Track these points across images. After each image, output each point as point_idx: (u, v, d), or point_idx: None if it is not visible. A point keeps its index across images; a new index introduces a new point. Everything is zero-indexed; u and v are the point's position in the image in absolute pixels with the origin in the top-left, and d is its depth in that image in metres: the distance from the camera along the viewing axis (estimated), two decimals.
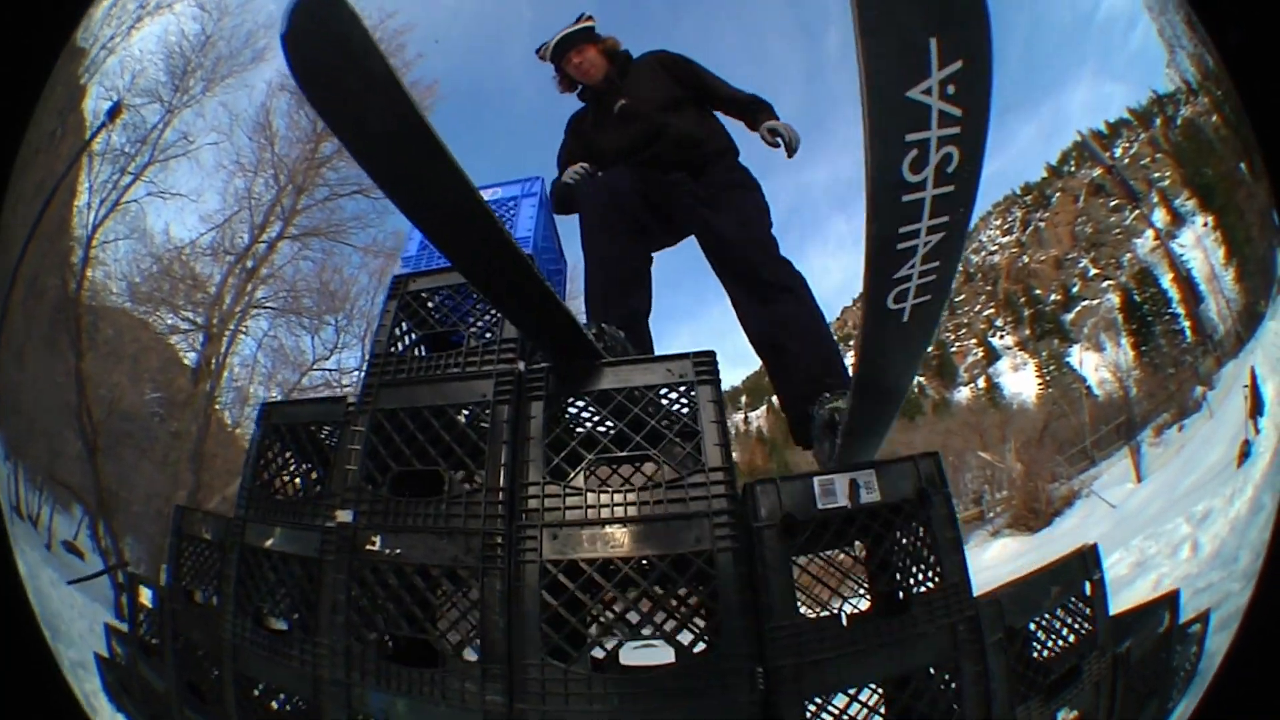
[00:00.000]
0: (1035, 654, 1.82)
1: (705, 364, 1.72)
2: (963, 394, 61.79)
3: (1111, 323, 45.56)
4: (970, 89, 0.97)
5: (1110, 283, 53.58)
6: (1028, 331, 62.70)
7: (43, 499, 13.91)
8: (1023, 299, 65.48)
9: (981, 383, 61.37)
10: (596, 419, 1.78)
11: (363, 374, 1.91)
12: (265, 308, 12.82)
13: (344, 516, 1.63)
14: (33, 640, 1.67)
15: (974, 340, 68.50)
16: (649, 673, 1.45)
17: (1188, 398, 18.75)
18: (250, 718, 1.84)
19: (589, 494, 1.55)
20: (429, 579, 1.70)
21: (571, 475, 1.60)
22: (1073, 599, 1.87)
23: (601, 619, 1.63)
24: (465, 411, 1.75)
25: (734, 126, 2.65)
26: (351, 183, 13.04)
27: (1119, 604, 3.98)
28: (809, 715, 1.49)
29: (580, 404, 1.76)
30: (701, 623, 1.91)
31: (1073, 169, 66.05)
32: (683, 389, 1.73)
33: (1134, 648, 2.00)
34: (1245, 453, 7.93)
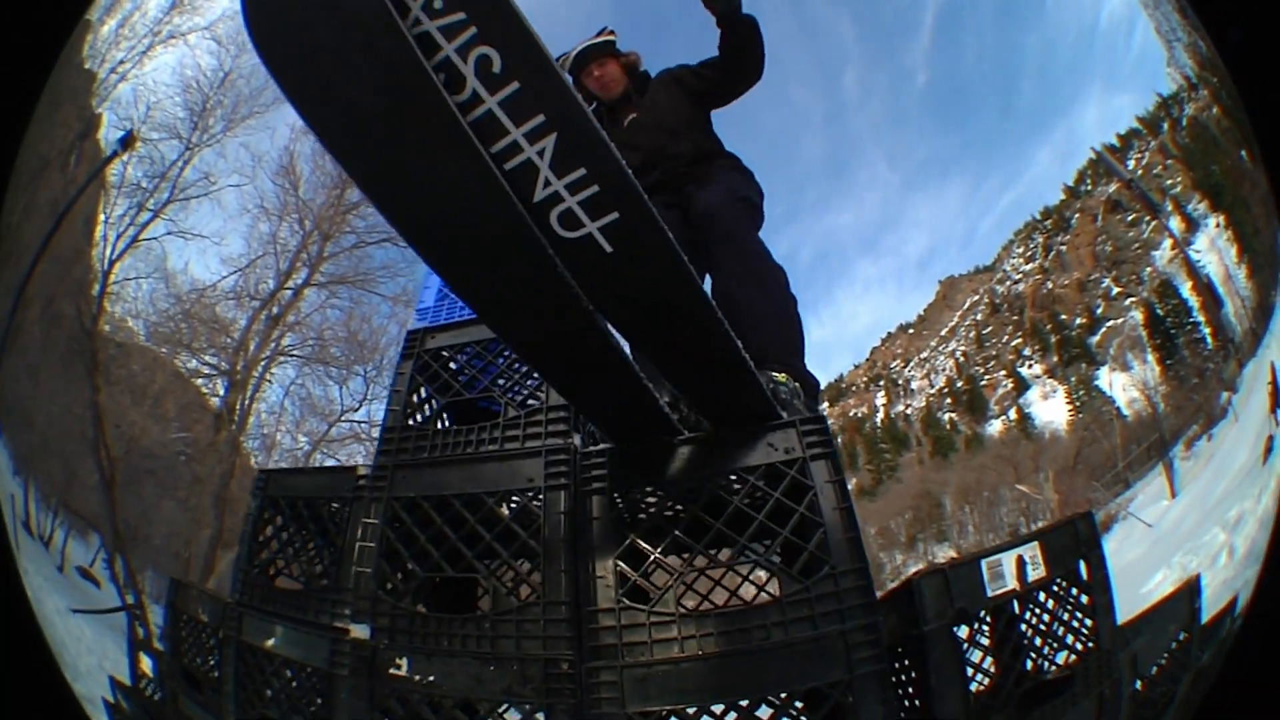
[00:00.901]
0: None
1: (817, 433, 1.36)
2: (994, 427, 61.24)
3: (1137, 340, 44.99)
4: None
5: (1133, 299, 52.93)
6: (1055, 358, 62.06)
7: (56, 521, 13.84)
8: (1049, 326, 64.95)
9: (1013, 414, 60.71)
10: (680, 514, 1.41)
11: (375, 449, 1.56)
12: (291, 355, 12.69)
13: (359, 632, 1.29)
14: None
15: (1003, 372, 68.00)
16: None
17: (1214, 405, 18.18)
18: None
19: (681, 623, 1.19)
20: (475, 715, 1.34)
21: (656, 599, 1.24)
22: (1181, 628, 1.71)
23: None
24: (512, 502, 1.40)
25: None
26: (380, 230, 12.93)
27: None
28: None
29: (657, 495, 1.39)
30: None
31: (1090, 187, 65.62)
32: (791, 468, 1.34)
33: (1208, 664, 1.77)
34: (1269, 449, 7.87)
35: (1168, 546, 10.29)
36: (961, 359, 75.75)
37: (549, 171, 0.86)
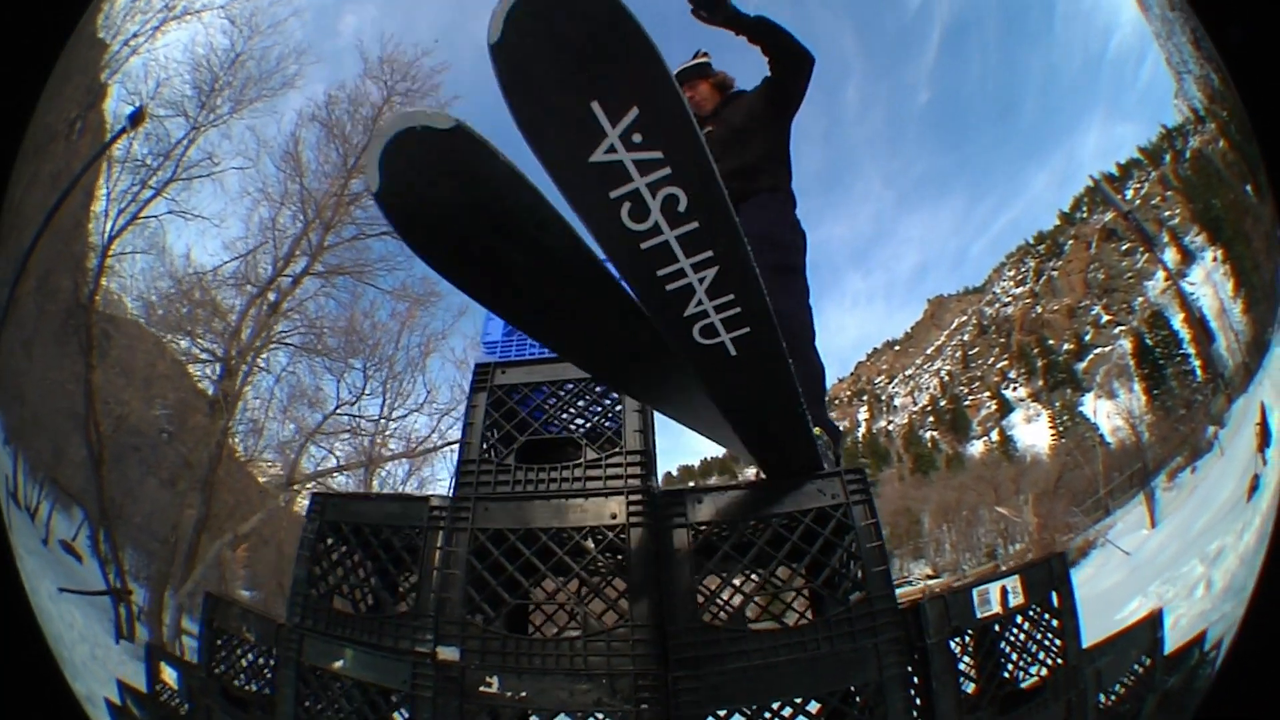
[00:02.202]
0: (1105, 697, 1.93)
1: (858, 483, 1.56)
2: (976, 447, 61.63)
3: (1124, 369, 45.36)
4: (660, 128, 0.83)
5: (1122, 328, 53.47)
6: (1041, 383, 62.55)
7: (43, 494, 13.72)
8: (1036, 350, 65.42)
9: (995, 435, 61.16)
10: (746, 547, 1.53)
11: (452, 480, 1.64)
12: (286, 344, 12.60)
13: (448, 654, 1.38)
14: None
15: (988, 393, 68.44)
16: None
17: (1200, 438, 18.61)
18: None
19: (749, 639, 1.41)
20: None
21: (729, 619, 1.43)
22: (1143, 653, 2.05)
23: None
24: (596, 536, 1.50)
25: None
26: (379, 223, 12.90)
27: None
28: None
29: (727, 532, 1.52)
30: None
31: (1085, 214, 66.38)
32: (837, 512, 1.51)
33: (1176, 687, 2.11)
34: (1254, 486, 8.01)
35: (1145, 575, 10.16)
36: (946, 378, 76.06)
37: (703, 294, 0.98)
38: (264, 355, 12.46)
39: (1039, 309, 68.06)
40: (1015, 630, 1.84)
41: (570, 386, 1.71)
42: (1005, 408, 65.24)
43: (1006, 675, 1.85)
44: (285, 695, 1.67)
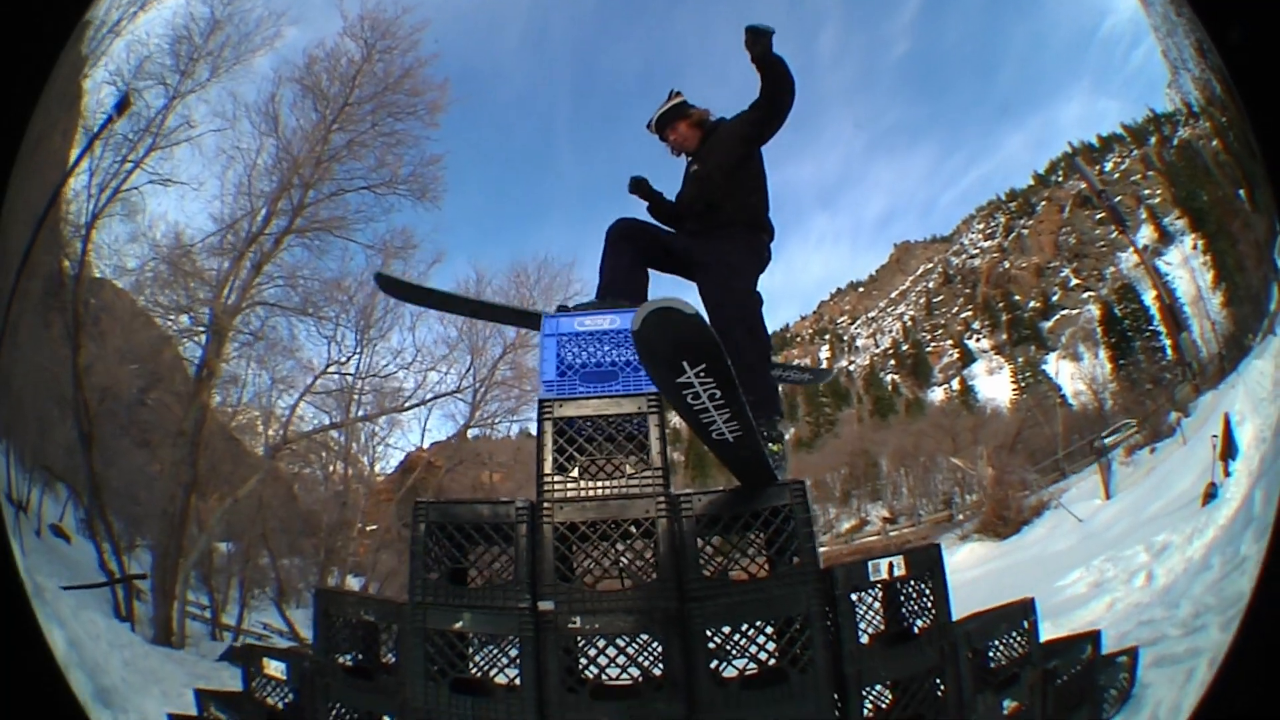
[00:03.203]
0: (991, 664, 2.81)
1: (798, 491, 2.51)
2: (937, 395, 63.25)
3: (1090, 334, 46.75)
4: (711, 369, 1.85)
5: (1091, 294, 55.16)
6: (1005, 336, 64.02)
7: (32, 482, 14.04)
8: (1001, 304, 66.86)
9: (956, 385, 62.69)
10: (731, 527, 2.48)
11: (539, 488, 2.50)
12: (271, 306, 13.04)
13: (546, 606, 2.27)
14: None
15: (950, 341, 69.94)
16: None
17: (1162, 421, 19.51)
18: None
19: (734, 585, 2.43)
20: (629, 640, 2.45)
21: (720, 570, 2.56)
22: (1017, 631, 2.90)
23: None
24: (636, 524, 2.42)
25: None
26: (359, 178, 13.32)
27: (1073, 622, 5.09)
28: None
29: (718, 519, 2.45)
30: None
31: (1060, 179, 67.83)
32: (783, 509, 2.47)
33: (1060, 668, 2.99)
34: (1211, 494, 8.76)
35: (1092, 548, 10.85)
36: (909, 323, 76.73)
37: (721, 422, 2.03)
38: (249, 317, 12.88)
39: (1007, 264, 69.43)
40: (909, 591, 2.73)
41: (611, 419, 2.58)
42: (967, 357, 66.79)
43: (903, 622, 2.75)
44: (415, 656, 2.44)
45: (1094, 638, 3.28)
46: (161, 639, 10.46)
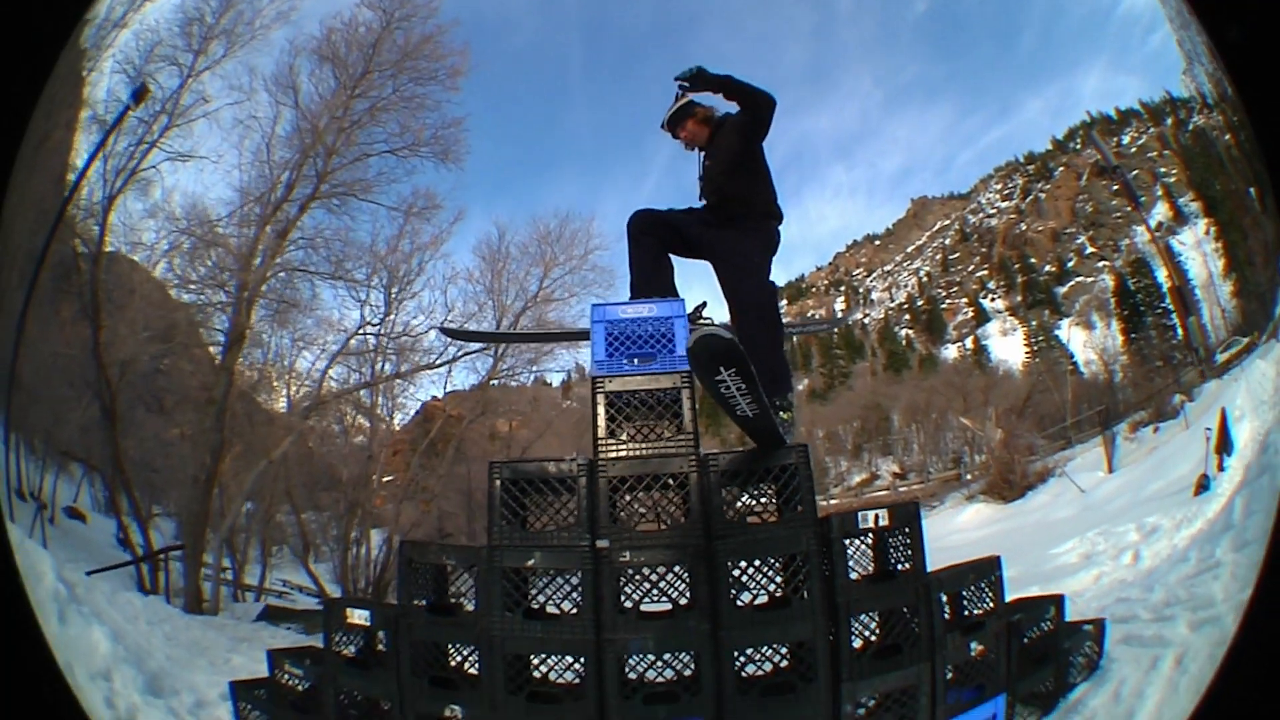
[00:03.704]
0: (965, 611, 3.42)
1: (802, 453, 3.18)
2: (950, 352, 63.71)
3: (1104, 304, 46.98)
4: (739, 370, 2.58)
5: (1106, 264, 55.33)
6: (1019, 298, 64.52)
7: (45, 469, 14.67)
8: (1017, 265, 67.17)
9: (970, 343, 63.32)
10: (748, 481, 3.17)
11: (594, 448, 3.16)
12: (296, 269, 13.58)
13: (603, 544, 2.95)
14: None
15: (965, 299, 70.28)
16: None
17: (1166, 403, 20.06)
18: (514, 688, 3.07)
19: (749, 526, 3.09)
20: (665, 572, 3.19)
21: (740, 515, 3.15)
22: (986, 583, 3.47)
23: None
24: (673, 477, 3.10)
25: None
26: (381, 143, 13.81)
27: (1060, 589, 5.37)
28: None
29: (739, 473, 3.13)
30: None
31: (1079, 147, 67.46)
32: (790, 467, 3.14)
33: (1024, 622, 3.51)
34: (1203, 486, 9.41)
35: (1090, 519, 11.58)
36: (925, 279, 76.94)
37: (743, 403, 2.69)
38: (276, 282, 13.37)
39: (1023, 226, 69.47)
40: (892, 540, 3.39)
41: (651, 392, 3.24)
42: (982, 316, 67.09)
43: (887, 565, 3.43)
44: (494, 592, 3.08)
45: (1057, 601, 3.80)
46: (194, 608, 11.06)
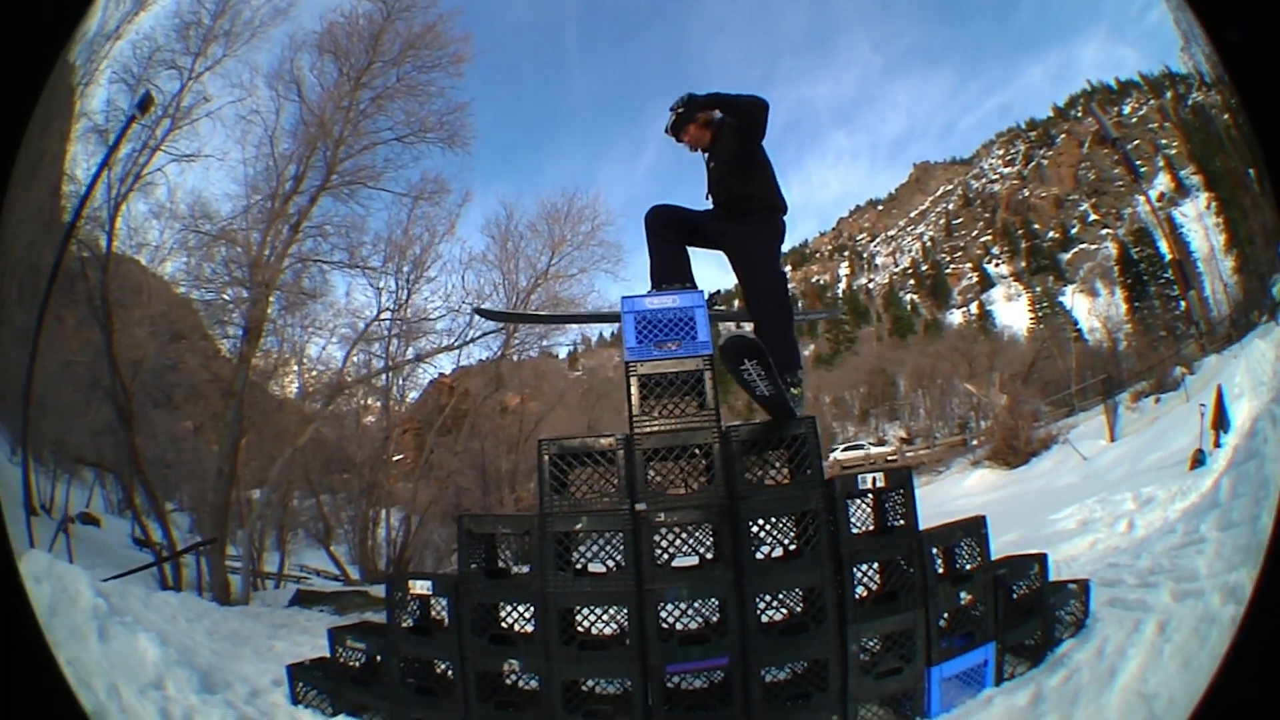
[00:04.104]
0: (957, 564, 3.92)
1: (810, 424, 3.73)
2: (955, 317, 64.43)
3: (1107, 271, 47.37)
4: (760, 361, 3.37)
5: (1109, 232, 55.72)
6: (1024, 264, 64.92)
7: (56, 481, 15.07)
8: (1020, 231, 67.50)
9: (975, 308, 63.87)
10: (764, 448, 3.72)
11: (630, 424, 3.71)
12: (311, 259, 14.00)
13: (641, 507, 3.51)
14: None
15: (969, 264, 70.71)
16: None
17: (1168, 374, 20.51)
18: (566, 639, 3.64)
19: (761, 489, 3.64)
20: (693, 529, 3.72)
21: (757, 478, 3.66)
22: (974, 540, 3.96)
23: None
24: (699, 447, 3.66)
25: None
26: (387, 130, 14.19)
27: (1057, 553, 6.01)
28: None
29: (755, 441, 3.69)
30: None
31: (1080, 115, 67.51)
32: (800, 436, 3.68)
33: (1009, 576, 3.97)
34: (1199, 460, 9.77)
35: (1090, 487, 12.12)
36: (929, 244, 77.74)
37: (760, 384, 3.36)
38: (291, 273, 13.72)
39: (1026, 192, 69.71)
40: (889, 500, 3.95)
41: (677, 374, 3.78)
42: (986, 282, 67.53)
43: (886, 522, 4.01)
44: (547, 553, 3.64)
45: (1040, 559, 4.19)
46: (223, 600, 11.51)
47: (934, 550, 3.78)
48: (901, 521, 3.83)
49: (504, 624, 4.01)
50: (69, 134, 12.73)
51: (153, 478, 13.57)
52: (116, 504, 16.80)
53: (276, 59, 13.88)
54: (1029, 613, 3.94)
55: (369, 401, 17.12)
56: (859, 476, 3.75)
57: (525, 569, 3.85)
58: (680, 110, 4.03)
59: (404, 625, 4.04)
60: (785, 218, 4.28)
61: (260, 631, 7.28)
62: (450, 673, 3.94)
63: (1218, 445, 9.95)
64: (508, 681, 4.00)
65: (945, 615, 3.74)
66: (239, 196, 13.66)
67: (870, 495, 3.94)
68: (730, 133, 4.10)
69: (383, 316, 15.12)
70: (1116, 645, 3.48)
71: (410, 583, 4.03)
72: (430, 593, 3.99)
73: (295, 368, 15.48)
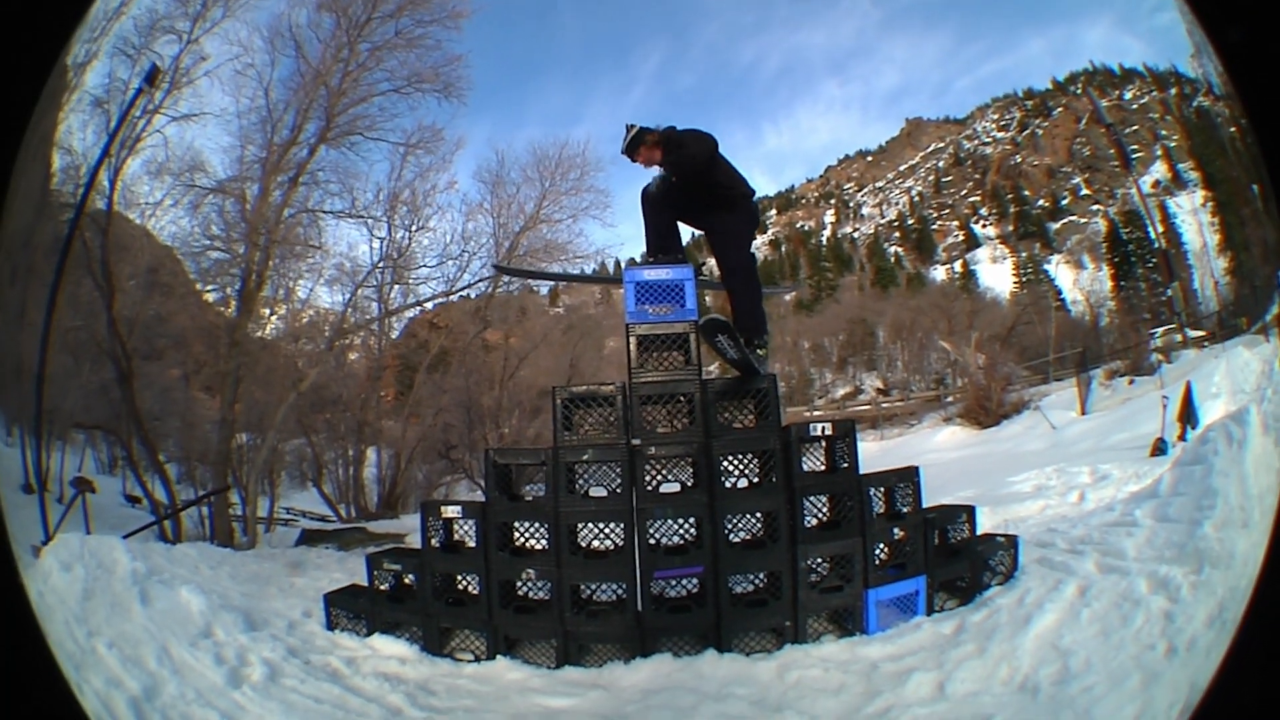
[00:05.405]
0: (895, 506, 4.83)
1: (772, 381, 4.76)
2: (939, 274, 64.88)
3: (1095, 247, 48.79)
4: (729, 334, 4.56)
5: (1100, 208, 56.71)
6: (1011, 228, 65.90)
7: (49, 450, 15.42)
8: (1010, 195, 68.34)
9: (959, 267, 64.74)
10: (734, 398, 4.77)
11: (629, 374, 4.74)
12: (311, 210, 14.54)
13: (636, 442, 4.53)
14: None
15: (956, 223, 71.40)
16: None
17: (1144, 358, 21.47)
18: (574, 551, 4.66)
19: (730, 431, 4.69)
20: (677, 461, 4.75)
21: (726, 422, 4.67)
22: (909, 486, 4.83)
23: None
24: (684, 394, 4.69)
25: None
26: (383, 81, 14.56)
27: (1006, 512, 7.41)
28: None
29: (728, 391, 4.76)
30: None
31: (1079, 93, 67.93)
32: (764, 389, 4.71)
33: (939, 519, 4.88)
34: (1160, 449, 10.44)
35: (1054, 456, 12.72)
36: (916, 198, 77.37)
37: (732, 351, 4.46)
38: (292, 223, 14.19)
39: (1019, 158, 70.39)
40: (835, 446, 4.84)
41: (668, 335, 4.79)
42: (972, 241, 67.86)
43: (834, 464, 4.89)
44: (560, 480, 4.63)
45: (969, 510, 5.08)
46: (227, 545, 12.18)
47: (874, 491, 4.70)
48: (846, 464, 4.80)
49: (518, 543, 4.91)
50: (68, 104, 12.97)
51: (151, 432, 14.02)
52: (107, 463, 17.26)
53: (276, 16, 14.15)
54: (956, 554, 4.76)
55: (353, 340, 17.69)
56: (810, 425, 4.79)
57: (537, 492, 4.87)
58: (632, 141, 4.78)
59: (435, 546, 4.87)
60: (755, 201, 5.18)
61: (279, 571, 7.68)
62: (472, 587, 4.83)
63: (1182, 439, 10.37)
64: (520, 592, 4.88)
65: (883, 547, 4.62)
66: (237, 150, 14.04)
67: (822, 441, 4.90)
68: (682, 156, 4.77)
69: (380, 265, 15.80)
70: (1036, 597, 3.98)
71: (442, 508, 4.91)
72: (460, 515, 4.87)
73: (288, 314, 16.09)
